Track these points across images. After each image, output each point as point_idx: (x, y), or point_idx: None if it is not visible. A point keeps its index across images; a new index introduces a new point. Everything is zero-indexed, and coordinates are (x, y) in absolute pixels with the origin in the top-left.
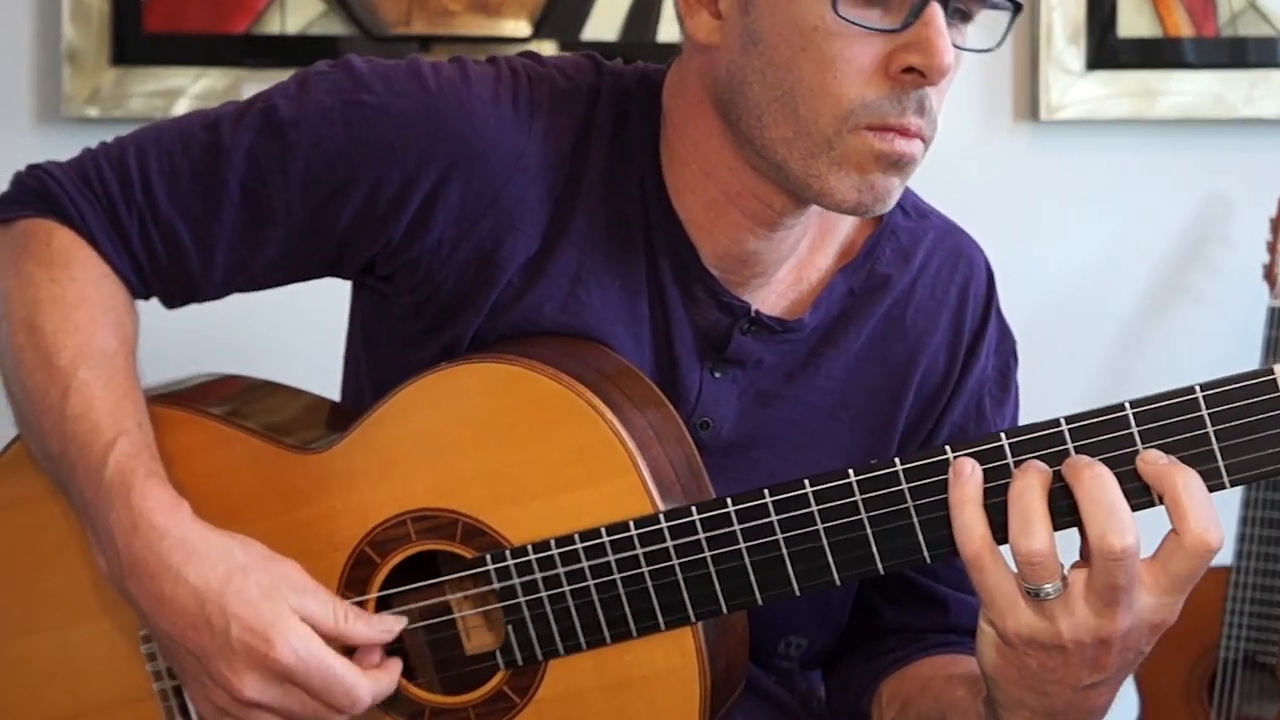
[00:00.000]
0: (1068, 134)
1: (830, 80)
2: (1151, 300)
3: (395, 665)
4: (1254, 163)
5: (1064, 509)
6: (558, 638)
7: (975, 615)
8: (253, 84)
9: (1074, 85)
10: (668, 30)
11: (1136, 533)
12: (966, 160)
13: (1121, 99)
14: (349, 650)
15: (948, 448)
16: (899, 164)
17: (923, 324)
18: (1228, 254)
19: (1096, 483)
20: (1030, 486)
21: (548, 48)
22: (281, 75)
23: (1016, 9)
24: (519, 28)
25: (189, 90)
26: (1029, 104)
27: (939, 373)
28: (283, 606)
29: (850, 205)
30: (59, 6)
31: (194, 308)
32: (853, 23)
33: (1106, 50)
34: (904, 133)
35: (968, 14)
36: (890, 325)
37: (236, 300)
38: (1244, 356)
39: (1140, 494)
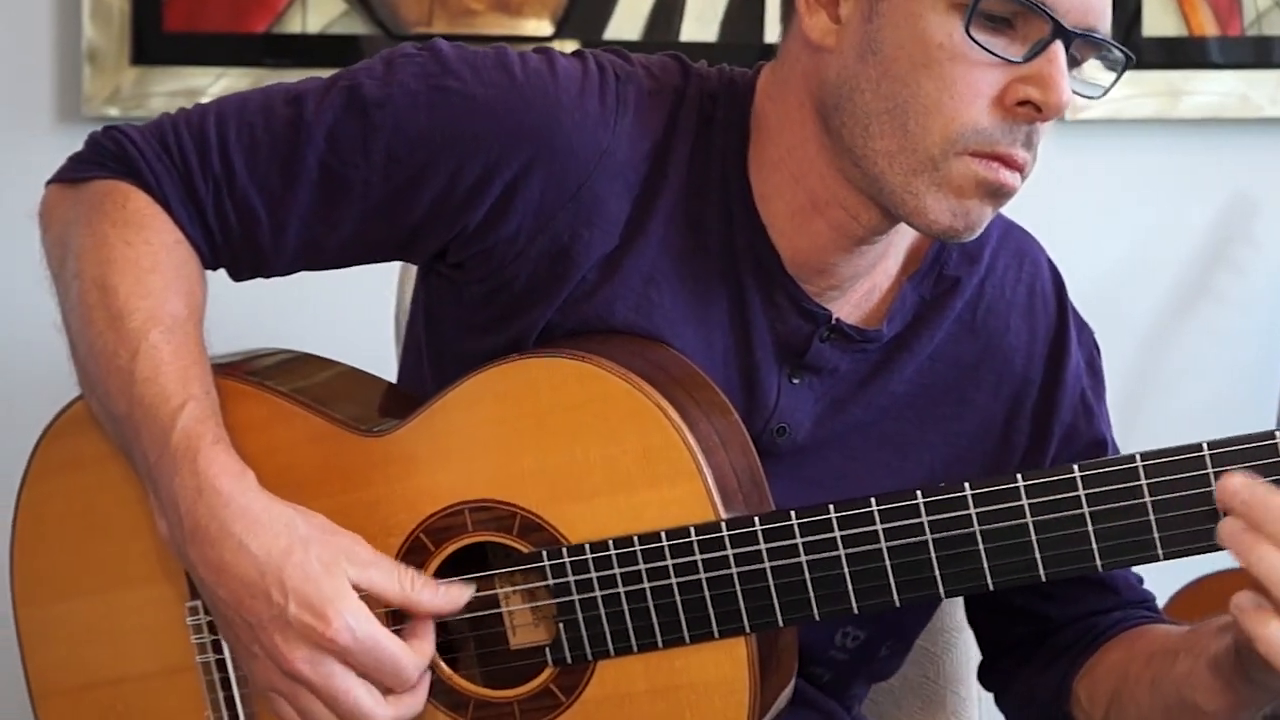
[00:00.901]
0: (1092, 134)
1: (947, 100)
2: (1176, 300)
3: (429, 635)
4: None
5: None
6: (609, 639)
7: (1144, 590)
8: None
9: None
10: (691, 29)
11: None
12: None
13: (1146, 99)
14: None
15: (1019, 475)
16: (998, 194)
17: (994, 324)
18: (1252, 254)
19: None
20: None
21: (569, 47)
22: (302, 75)
23: (1127, 62)
24: (540, 27)
25: (209, 90)
26: None
27: (1015, 374)
28: (342, 582)
29: (941, 229)
30: (79, 6)
31: (255, 283)
32: (981, 46)
33: (1131, 49)
34: (1010, 163)
35: (1078, 60)
36: (962, 327)
37: (295, 278)
38: (1269, 357)
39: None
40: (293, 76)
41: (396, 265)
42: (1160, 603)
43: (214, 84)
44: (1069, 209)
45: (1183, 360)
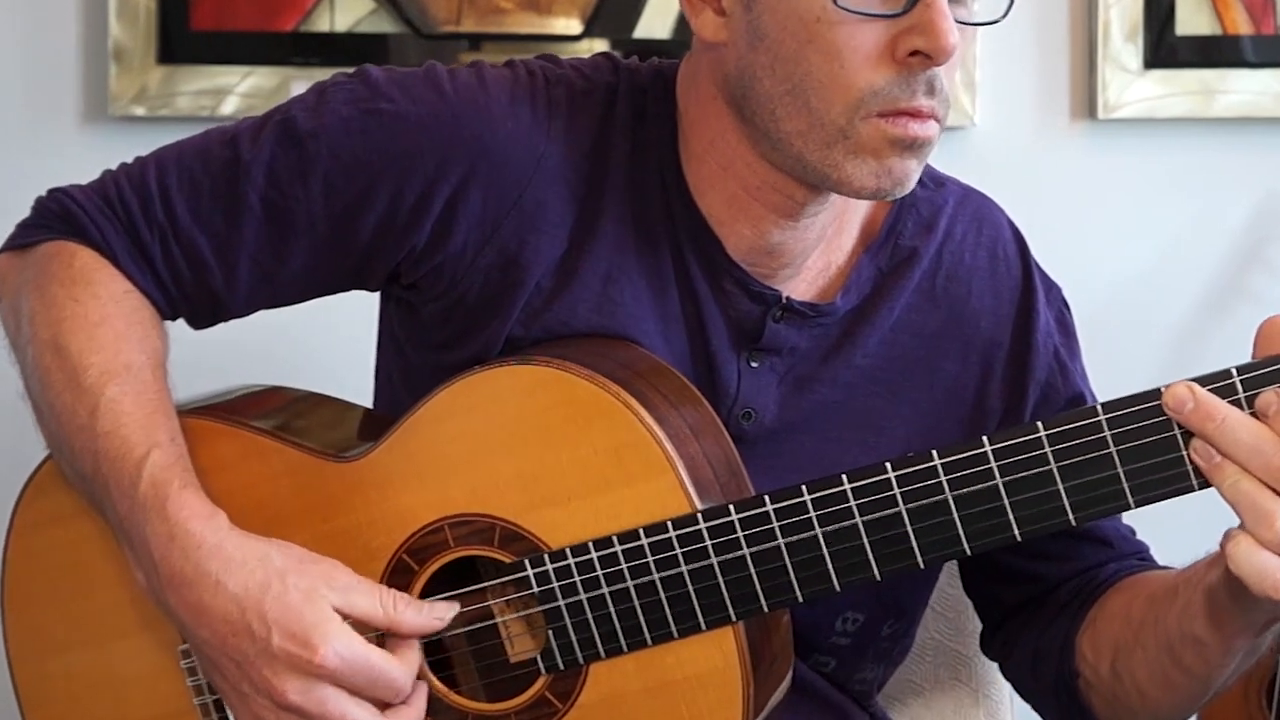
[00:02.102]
0: (1125, 133)
1: (838, 70)
2: (1210, 301)
3: (414, 641)
4: None
5: None
6: (599, 641)
7: (1138, 541)
8: (301, 82)
9: (1131, 84)
10: None
11: None
12: (1023, 159)
13: (1180, 98)
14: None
15: (985, 439)
16: (914, 146)
17: (955, 290)
18: None
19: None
20: (1235, 425)
21: (599, 46)
22: (330, 74)
23: None
24: (570, 25)
25: (236, 89)
26: (1086, 103)
27: (983, 338)
28: (324, 609)
29: (870, 191)
30: (105, 5)
31: (220, 326)
32: (854, 11)
33: (1164, 48)
34: (916, 115)
35: None
36: (922, 296)
37: (267, 313)
38: None
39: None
40: (320, 75)
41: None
42: None
43: (241, 83)
44: (1102, 209)
45: (1216, 361)
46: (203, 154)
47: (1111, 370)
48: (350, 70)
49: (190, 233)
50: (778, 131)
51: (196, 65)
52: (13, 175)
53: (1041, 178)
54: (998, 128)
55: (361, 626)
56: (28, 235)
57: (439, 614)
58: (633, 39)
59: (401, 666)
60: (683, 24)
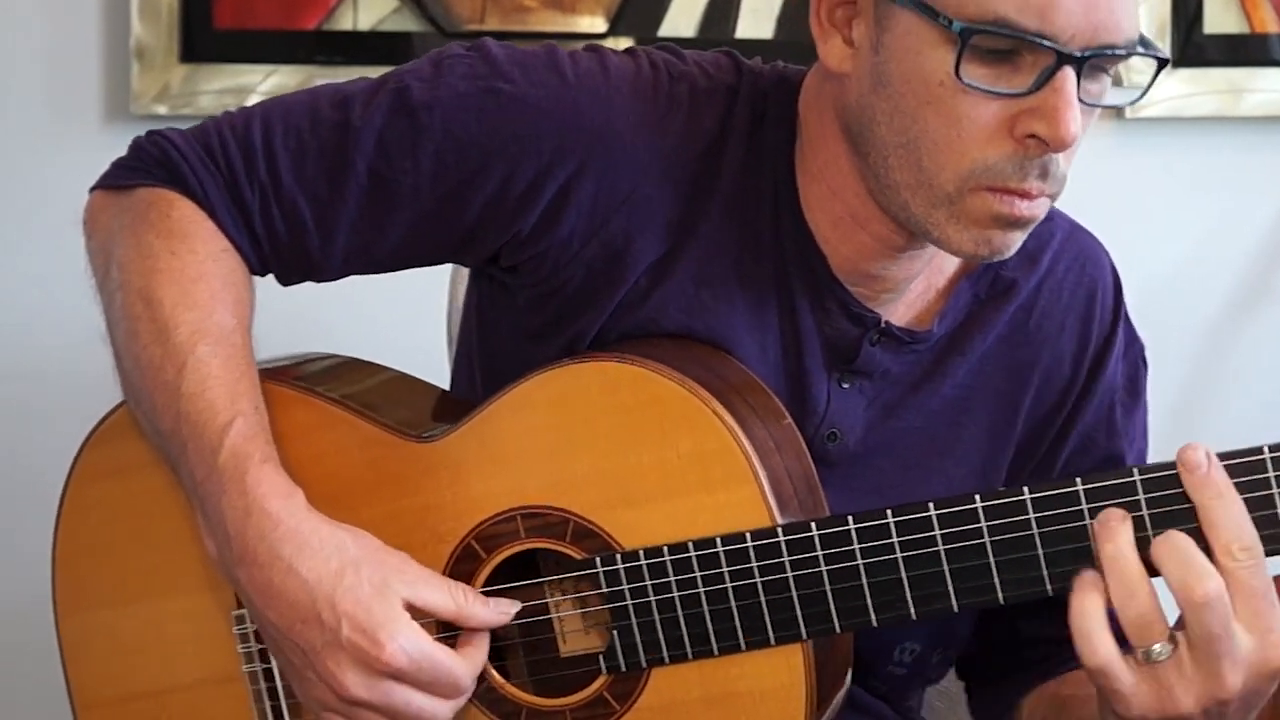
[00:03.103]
0: (1153, 132)
1: (954, 137)
2: (1237, 300)
3: (484, 640)
4: None
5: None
6: (664, 646)
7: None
8: (324, 81)
9: (1159, 82)
10: (746, 26)
11: (1217, 575)
12: None
13: (1207, 96)
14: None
15: (1078, 480)
16: (1016, 224)
17: (1048, 328)
18: None
19: (1165, 541)
20: (1121, 548)
21: (622, 44)
22: (353, 72)
23: (1162, 63)
24: (594, 24)
25: (259, 88)
26: None
27: (1063, 378)
28: (394, 604)
29: (968, 255)
30: (127, 3)
31: (306, 286)
32: (975, 88)
33: (1192, 47)
34: (1025, 195)
35: (1105, 70)
36: (1015, 329)
37: (344, 281)
38: None
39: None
40: (343, 74)
41: (447, 268)
42: None
43: (263, 82)
44: (1129, 208)
45: (1243, 361)
46: (311, 113)
47: None
48: (467, 43)
49: (292, 193)
50: (888, 178)
51: (219, 64)
52: (35, 174)
53: (1069, 176)
54: None
55: (429, 619)
56: (124, 177)
57: (505, 609)
58: (657, 37)
59: (465, 664)
60: (708, 21)
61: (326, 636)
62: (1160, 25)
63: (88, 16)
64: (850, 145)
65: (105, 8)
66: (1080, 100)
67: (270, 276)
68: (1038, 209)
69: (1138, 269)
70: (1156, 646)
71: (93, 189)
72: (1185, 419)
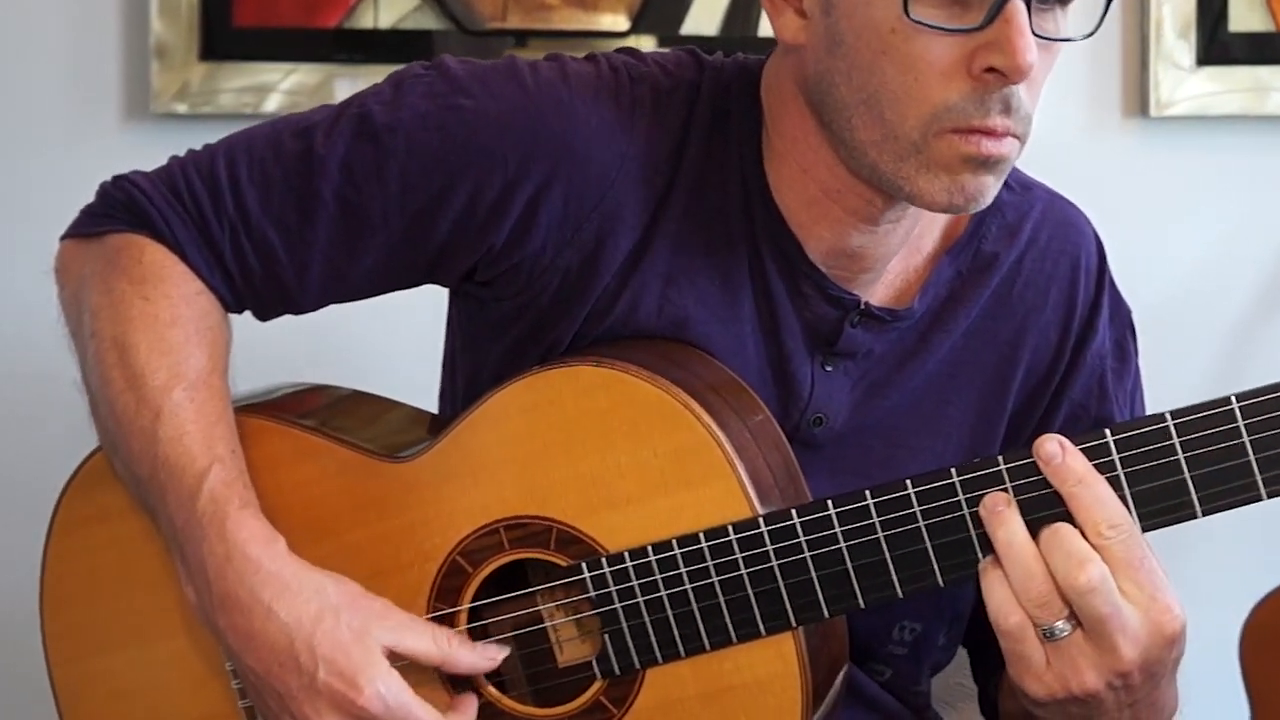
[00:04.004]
0: (1178, 131)
1: (912, 83)
2: (1262, 301)
3: (471, 705)
4: None
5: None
6: (656, 646)
7: None
8: (345, 80)
9: (1184, 81)
10: (769, 23)
11: (1098, 560)
12: (1074, 156)
13: (1233, 95)
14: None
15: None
16: (988, 164)
17: (1031, 299)
18: None
19: (1050, 534)
20: (1014, 532)
21: (646, 42)
22: (374, 71)
23: None
24: (617, 21)
25: (279, 86)
26: (1138, 100)
27: (1050, 347)
28: (373, 650)
29: (943, 206)
30: (147, 1)
31: (285, 318)
32: (926, 25)
33: (1217, 45)
34: (990, 133)
35: (1061, 4)
36: (998, 303)
37: (327, 310)
38: None
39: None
40: (364, 73)
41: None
42: (1248, 605)
43: (283, 80)
44: (1154, 206)
45: (1269, 360)
46: (274, 145)
47: (1162, 368)
48: (426, 61)
49: (261, 227)
50: (853, 140)
51: (239, 62)
52: (55, 173)
53: (1093, 175)
54: (1049, 125)
55: (413, 665)
56: (93, 224)
57: (491, 654)
58: (680, 35)
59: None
60: (731, 19)
61: (304, 680)
62: (1185, 23)
63: (107, 14)
64: (815, 117)
65: (125, 6)
66: (1035, 34)
67: (249, 314)
68: (1005, 148)
69: (1161, 268)
70: (1059, 624)
71: (62, 238)
72: None
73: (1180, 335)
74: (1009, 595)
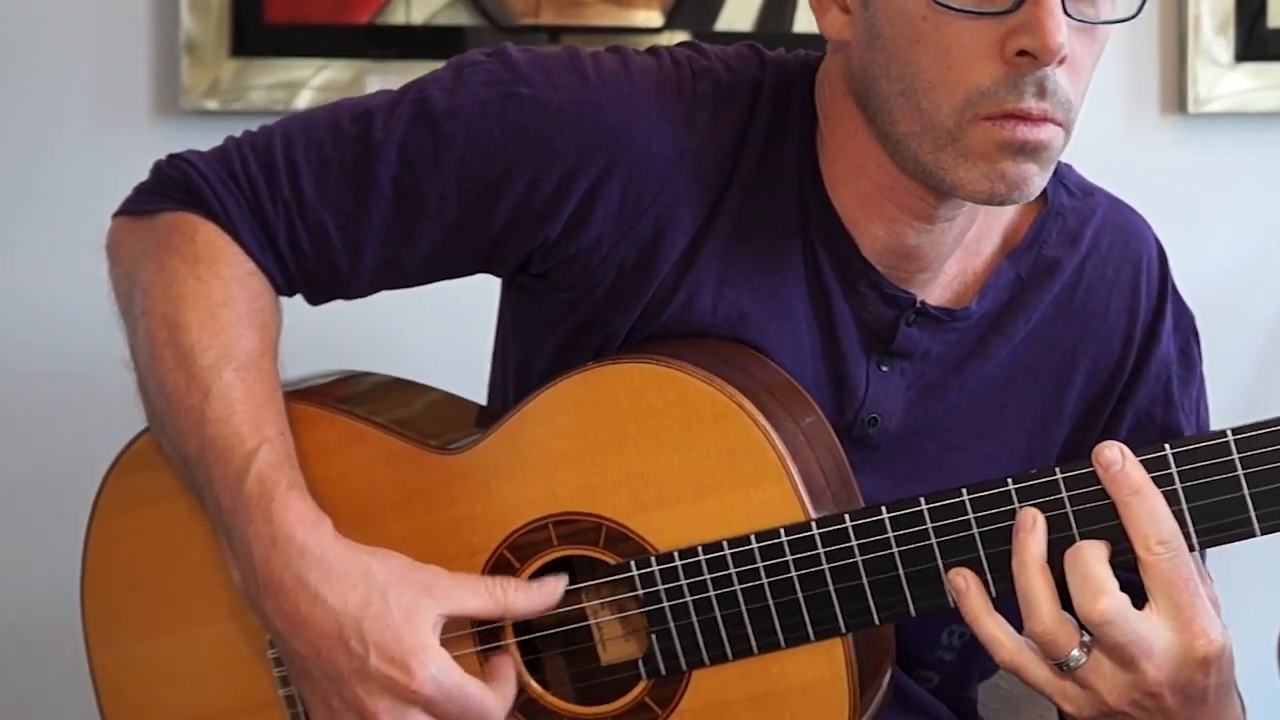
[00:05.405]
0: (1216, 127)
1: (945, 70)
2: None
3: (508, 666)
4: None
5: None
6: (703, 648)
7: None
8: (376, 76)
9: (1223, 77)
10: (805, 20)
11: (1114, 591)
12: (1111, 153)
13: (1272, 91)
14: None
15: (1057, 470)
16: (1026, 150)
17: (1093, 305)
18: None
19: (1072, 555)
20: (1025, 564)
21: (679, 38)
22: (406, 67)
23: None
24: (650, 18)
25: (310, 82)
26: (1176, 96)
27: (1112, 355)
28: (423, 630)
29: (985, 196)
30: None
31: (335, 304)
32: (956, 9)
33: (1256, 41)
34: (1025, 118)
35: None
36: (1059, 309)
37: (378, 296)
38: None
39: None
40: (396, 69)
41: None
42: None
43: (315, 77)
44: (1192, 203)
45: None
46: (332, 128)
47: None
48: (488, 49)
49: (317, 210)
50: (895, 133)
51: (270, 58)
52: (84, 169)
53: (1131, 172)
54: (1087, 121)
55: (468, 626)
56: (147, 202)
57: (549, 590)
58: (714, 31)
59: (496, 699)
60: (765, 16)
61: (354, 665)
62: (1224, 19)
63: (137, 10)
64: (862, 113)
65: (155, 2)
66: (1070, 16)
67: (299, 297)
68: (1043, 134)
69: (1201, 266)
70: (1074, 653)
71: (115, 215)
72: (1249, 419)
73: (1219, 334)
74: (1001, 627)
